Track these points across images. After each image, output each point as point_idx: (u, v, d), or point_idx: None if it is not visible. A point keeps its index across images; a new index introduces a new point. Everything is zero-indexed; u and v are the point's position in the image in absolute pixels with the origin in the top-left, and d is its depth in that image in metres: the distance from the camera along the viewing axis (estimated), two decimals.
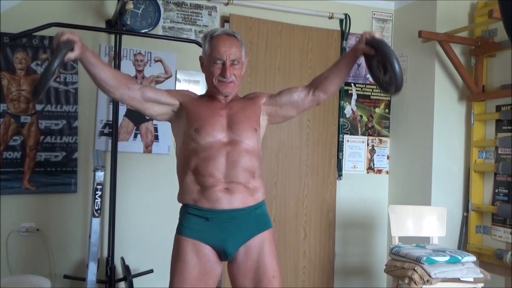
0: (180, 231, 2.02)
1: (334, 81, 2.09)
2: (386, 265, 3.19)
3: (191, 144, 2.00)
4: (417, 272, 2.85)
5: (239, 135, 2.01)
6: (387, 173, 4.10)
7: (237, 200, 1.98)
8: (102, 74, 1.92)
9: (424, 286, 2.82)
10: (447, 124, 3.65)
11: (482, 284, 2.95)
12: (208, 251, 1.99)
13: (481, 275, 2.93)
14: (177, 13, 3.55)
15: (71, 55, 1.79)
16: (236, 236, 1.99)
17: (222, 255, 2.01)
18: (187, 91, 2.25)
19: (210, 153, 1.97)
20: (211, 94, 2.10)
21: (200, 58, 2.12)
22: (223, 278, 3.34)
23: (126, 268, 3.08)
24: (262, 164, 2.13)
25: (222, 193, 1.97)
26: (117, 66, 3.15)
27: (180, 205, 2.08)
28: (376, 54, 1.91)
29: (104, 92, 2.02)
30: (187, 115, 2.05)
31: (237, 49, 2.03)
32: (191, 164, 1.99)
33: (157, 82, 3.48)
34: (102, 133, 3.35)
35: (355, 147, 4.02)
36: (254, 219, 2.03)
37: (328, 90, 2.11)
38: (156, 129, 3.47)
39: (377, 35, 1.92)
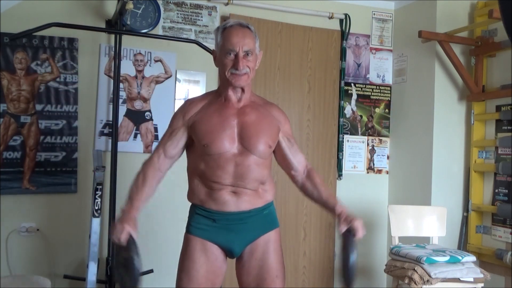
0: (189, 230, 2.05)
1: (311, 197, 2.10)
2: (386, 265, 3.19)
3: (200, 151, 1.98)
4: (417, 272, 2.85)
5: (250, 149, 1.96)
6: (387, 173, 4.10)
7: (245, 203, 1.98)
8: (150, 193, 2.02)
9: (424, 286, 2.82)
10: (447, 124, 3.65)
11: (482, 284, 2.95)
12: (216, 250, 2.01)
13: (481, 275, 2.93)
14: (177, 13, 3.54)
15: (134, 236, 1.94)
16: (243, 237, 2.00)
17: (229, 254, 2.04)
18: (190, 102, 2.08)
19: (219, 162, 1.94)
20: (224, 92, 2.01)
21: (213, 51, 2.04)
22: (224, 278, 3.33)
23: None
24: None
25: (230, 196, 1.97)
26: (117, 66, 3.15)
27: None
28: (345, 241, 1.89)
29: None
30: (196, 132, 1.98)
31: (250, 40, 1.94)
32: (199, 168, 1.98)
33: (157, 82, 3.48)
34: (102, 133, 3.35)
35: (355, 147, 4.01)
36: (261, 220, 2.03)
37: (303, 189, 2.12)
38: (156, 129, 3.47)
39: (358, 233, 1.88)
